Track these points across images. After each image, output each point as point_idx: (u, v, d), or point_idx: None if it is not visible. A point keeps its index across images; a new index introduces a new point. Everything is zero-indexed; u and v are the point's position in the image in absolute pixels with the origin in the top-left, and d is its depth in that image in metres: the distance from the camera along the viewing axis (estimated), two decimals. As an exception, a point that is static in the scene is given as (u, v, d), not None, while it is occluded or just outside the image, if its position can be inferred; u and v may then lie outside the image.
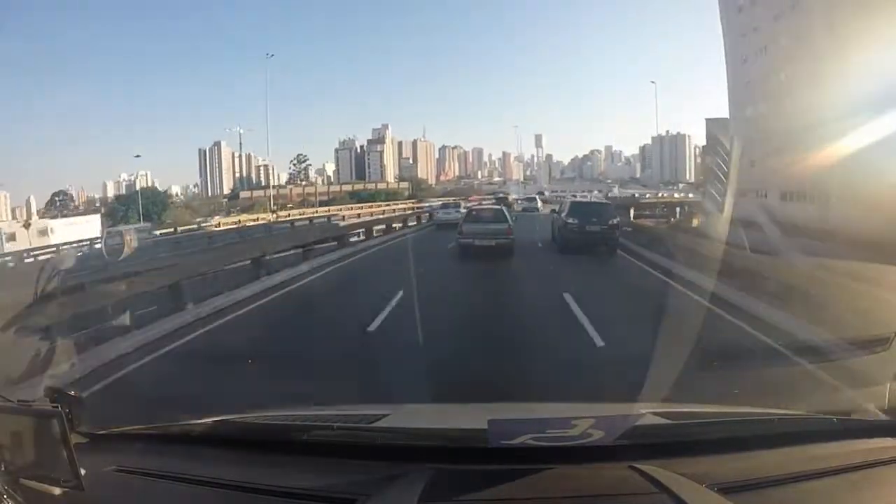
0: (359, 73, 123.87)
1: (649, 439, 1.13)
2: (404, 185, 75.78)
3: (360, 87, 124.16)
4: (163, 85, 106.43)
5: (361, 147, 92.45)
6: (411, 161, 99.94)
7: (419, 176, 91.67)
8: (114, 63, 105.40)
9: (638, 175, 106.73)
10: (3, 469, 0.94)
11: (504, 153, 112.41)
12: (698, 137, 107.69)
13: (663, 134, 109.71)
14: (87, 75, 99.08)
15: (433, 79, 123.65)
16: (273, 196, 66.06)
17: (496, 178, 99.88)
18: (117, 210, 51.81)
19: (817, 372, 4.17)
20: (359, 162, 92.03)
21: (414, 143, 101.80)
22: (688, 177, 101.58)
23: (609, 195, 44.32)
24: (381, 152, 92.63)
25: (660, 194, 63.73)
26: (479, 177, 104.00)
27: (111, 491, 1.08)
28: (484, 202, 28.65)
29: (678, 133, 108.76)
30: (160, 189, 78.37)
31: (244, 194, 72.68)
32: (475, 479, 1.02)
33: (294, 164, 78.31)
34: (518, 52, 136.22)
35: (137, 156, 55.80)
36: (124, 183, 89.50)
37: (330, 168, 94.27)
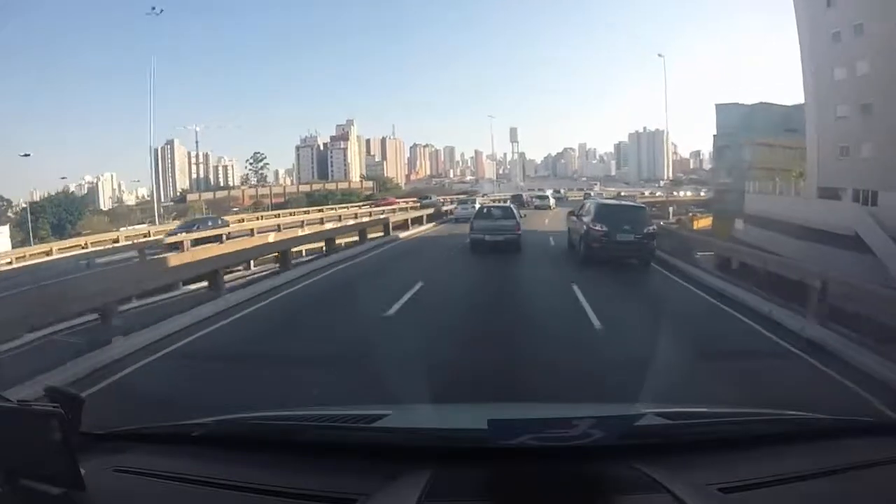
0: (326, 68, 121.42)
1: (649, 439, 1.13)
2: (369, 184, 70.22)
3: (328, 84, 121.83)
4: (122, 81, 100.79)
5: (325, 144, 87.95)
6: (378, 159, 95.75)
7: (388, 175, 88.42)
8: (71, 58, 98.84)
9: (613, 172, 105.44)
10: (3, 469, 0.94)
11: (476, 151, 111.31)
12: (675, 134, 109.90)
13: (640, 130, 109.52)
14: (45, 70, 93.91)
15: (405, 77, 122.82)
16: (223, 198, 60.89)
17: (469, 177, 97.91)
18: (23, 220, 42.39)
19: (818, 372, 4.08)
20: (321, 160, 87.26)
21: (383, 141, 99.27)
22: (666, 174, 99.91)
23: (592, 194, 42.91)
24: (345, 150, 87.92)
25: (646, 192, 61.66)
26: (452, 175, 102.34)
27: (111, 491, 1.08)
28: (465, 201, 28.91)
29: (656, 130, 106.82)
30: (125, 192, 73.84)
31: (192, 197, 67.42)
32: (475, 479, 1.02)
33: (250, 164, 72.23)
34: (491, 50, 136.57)
35: (26, 154, 48.19)
36: (87, 185, 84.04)
37: (288, 168, 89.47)
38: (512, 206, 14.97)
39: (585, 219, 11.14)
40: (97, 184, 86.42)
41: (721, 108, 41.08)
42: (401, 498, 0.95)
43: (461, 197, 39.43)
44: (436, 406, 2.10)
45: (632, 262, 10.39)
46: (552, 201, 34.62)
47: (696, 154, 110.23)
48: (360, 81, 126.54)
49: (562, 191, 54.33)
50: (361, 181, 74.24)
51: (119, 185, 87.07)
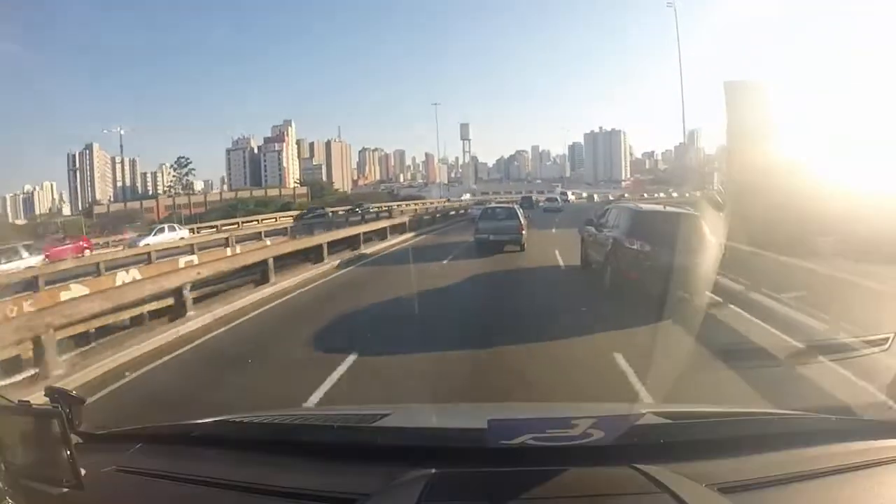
0: (266, 68, 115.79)
1: (649, 439, 1.13)
2: (303, 190, 64.17)
3: (270, 83, 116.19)
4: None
5: (259, 147, 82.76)
6: (316, 163, 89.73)
7: (334, 179, 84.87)
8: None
9: (567, 174, 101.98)
10: (3, 469, 0.94)
11: (427, 155, 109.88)
12: (633, 134, 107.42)
13: (596, 130, 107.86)
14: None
15: (351, 77, 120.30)
16: (134, 210, 53.49)
17: (419, 181, 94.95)
18: None
19: (818, 371, 3.96)
20: (254, 165, 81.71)
21: (327, 145, 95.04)
22: (623, 175, 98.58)
23: (570, 196, 40.55)
24: (280, 152, 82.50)
25: (625, 195, 58.17)
26: (402, 180, 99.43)
27: (111, 491, 1.08)
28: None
29: (612, 129, 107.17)
30: (65, 203, 64.36)
31: (99, 209, 58.88)
32: (475, 479, 1.02)
33: (174, 170, 65.26)
34: (442, 50, 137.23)
35: None
36: (21, 197, 73.27)
37: (219, 173, 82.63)
38: (516, 207, 15.36)
39: (613, 232, 7.91)
40: (33, 193, 76.78)
41: (732, 87, 32.91)
42: (401, 498, 0.95)
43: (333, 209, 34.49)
44: (436, 406, 2.10)
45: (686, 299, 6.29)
46: (560, 203, 34.72)
47: (650, 155, 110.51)
48: (303, 81, 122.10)
49: (532, 193, 51.85)
50: (294, 189, 66.91)
51: (60, 196, 79.25)
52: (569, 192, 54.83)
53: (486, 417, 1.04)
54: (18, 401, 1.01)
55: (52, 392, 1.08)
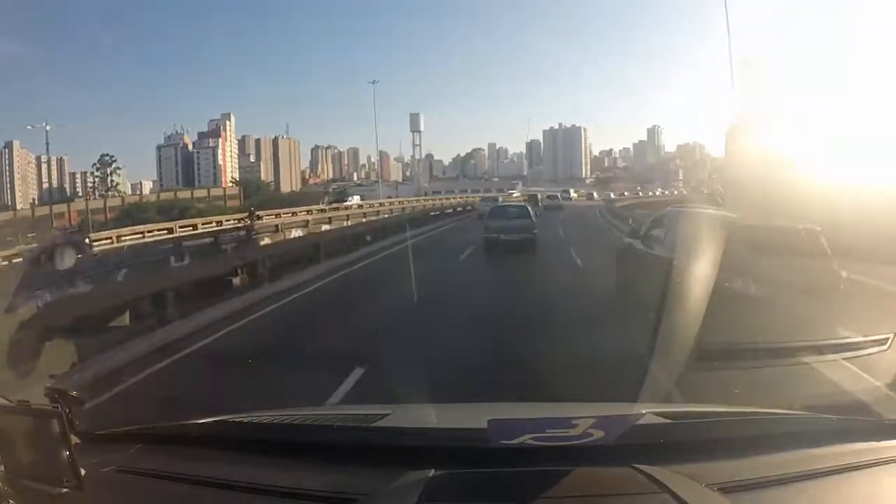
0: (209, 58, 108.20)
1: (650, 439, 1.14)
2: (235, 191, 55.93)
3: (216, 78, 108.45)
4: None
5: (195, 143, 73.90)
6: (264, 160, 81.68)
7: (282, 178, 79.40)
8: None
9: (525, 172, 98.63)
10: (3, 469, 0.94)
11: (382, 152, 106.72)
12: (591, 132, 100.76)
13: (556, 127, 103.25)
14: None
15: (301, 71, 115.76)
16: (43, 216, 44.26)
17: (373, 179, 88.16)
18: None
19: (817, 370, 3.91)
20: (187, 162, 72.61)
21: (274, 141, 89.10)
22: (584, 173, 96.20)
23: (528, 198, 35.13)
24: (215, 149, 73.25)
25: (612, 194, 54.77)
26: (356, 178, 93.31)
27: (111, 491, 1.08)
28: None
29: (573, 126, 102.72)
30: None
31: (4, 216, 49.21)
32: (475, 479, 1.02)
33: (96, 168, 56.71)
34: (394, 45, 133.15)
35: None
36: None
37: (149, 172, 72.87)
38: (528, 205, 14.82)
39: (683, 257, 4.97)
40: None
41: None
42: (401, 498, 0.95)
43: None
44: (436, 406, 2.09)
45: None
46: (561, 201, 34.82)
47: (609, 153, 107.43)
48: (247, 74, 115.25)
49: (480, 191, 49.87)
50: (225, 190, 57.86)
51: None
52: (571, 191, 53.31)
53: (486, 417, 1.04)
54: (18, 401, 1.00)
55: (52, 392, 1.09)
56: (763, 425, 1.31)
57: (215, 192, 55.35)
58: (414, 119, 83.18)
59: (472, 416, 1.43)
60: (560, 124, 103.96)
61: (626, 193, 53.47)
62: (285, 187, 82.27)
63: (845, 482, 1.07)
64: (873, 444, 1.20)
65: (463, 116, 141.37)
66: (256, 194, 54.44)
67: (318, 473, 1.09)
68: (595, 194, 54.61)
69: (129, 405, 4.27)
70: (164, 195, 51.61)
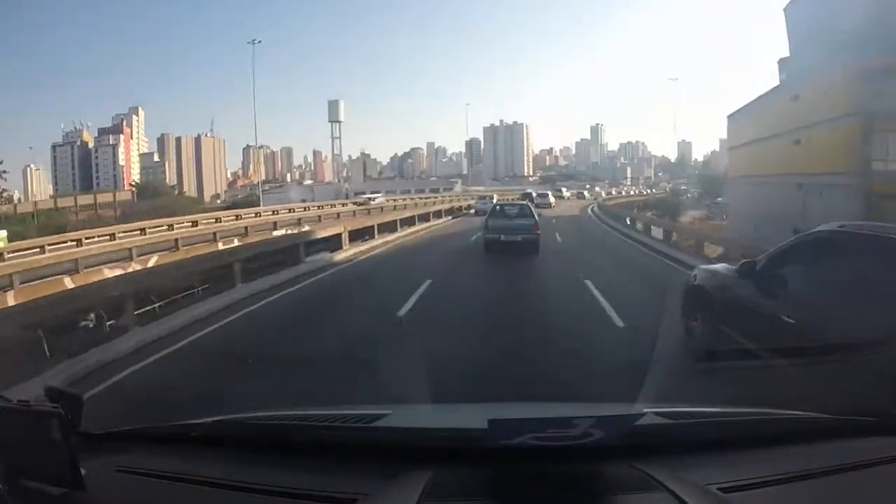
0: (117, 49, 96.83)
1: (650, 439, 1.14)
2: (128, 196, 48.38)
3: (121, 68, 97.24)
4: None
5: (96, 140, 65.74)
6: (157, 160, 71.82)
7: (204, 179, 73.53)
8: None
9: (465, 171, 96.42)
10: (3, 469, 0.93)
11: (315, 152, 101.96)
12: (532, 130, 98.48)
13: (497, 124, 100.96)
14: None
15: (230, 70, 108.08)
16: None
17: (308, 181, 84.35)
18: None
19: (816, 371, 3.74)
20: (85, 162, 64.24)
21: (197, 140, 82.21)
22: (525, 171, 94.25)
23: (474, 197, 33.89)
24: (116, 147, 64.64)
25: (599, 189, 53.51)
26: (289, 179, 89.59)
27: (111, 491, 1.08)
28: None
29: (515, 122, 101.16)
30: None
31: None
32: (475, 479, 1.03)
33: None
34: (334, 45, 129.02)
35: None
36: None
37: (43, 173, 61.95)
38: (530, 204, 14.18)
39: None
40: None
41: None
42: (401, 498, 0.95)
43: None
44: (436, 406, 2.11)
45: None
46: (552, 198, 34.10)
47: (549, 151, 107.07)
48: (171, 68, 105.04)
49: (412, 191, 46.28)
50: (115, 196, 47.13)
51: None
52: (563, 189, 51.19)
53: (487, 417, 1.04)
54: (18, 401, 0.99)
55: (51, 392, 1.07)
56: (763, 425, 1.31)
57: (103, 197, 45.55)
58: (332, 108, 70.84)
59: (473, 416, 1.43)
60: (501, 121, 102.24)
61: (613, 192, 52.31)
62: (209, 189, 76.38)
63: (845, 482, 1.07)
64: (873, 444, 1.20)
65: (402, 115, 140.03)
66: (154, 195, 47.05)
67: (318, 473, 1.09)
68: (587, 193, 51.62)
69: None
70: (61, 201, 42.13)
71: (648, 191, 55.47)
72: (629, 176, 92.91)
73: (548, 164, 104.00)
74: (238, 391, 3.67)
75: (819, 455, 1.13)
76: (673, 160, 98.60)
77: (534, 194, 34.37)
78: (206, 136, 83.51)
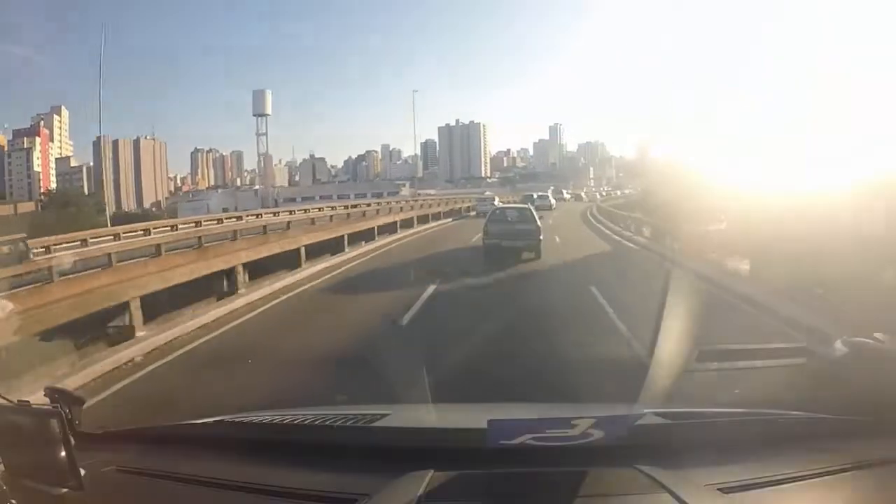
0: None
1: (650, 439, 1.14)
2: (31, 206, 42.38)
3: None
4: None
5: (10, 143, 58.20)
6: (82, 164, 63.77)
7: (144, 186, 67.85)
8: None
9: (420, 174, 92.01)
10: (3, 469, 0.93)
11: (262, 155, 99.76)
12: (491, 132, 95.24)
13: (452, 124, 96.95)
14: None
15: (172, 65, 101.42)
16: None
17: (257, 186, 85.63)
18: None
19: (815, 371, 3.78)
20: None
21: (136, 143, 76.20)
22: (482, 172, 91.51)
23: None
24: (30, 151, 57.29)
25: (602, 190, 50.37)
26: (239, 184, 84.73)
27: (111, 491, 1.08)
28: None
29: (471, 122, 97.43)
30: None
31: None
32: (475, 479, 1.03)
33: None
34: (285, 46, 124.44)
35: None
36: None
37: None
38: (531, 207, 13.46)
39: None
40: None
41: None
42: (401, 498, 0.95)
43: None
44: (436, 406, 2.12)
45: None
46: (552, 200, 32.21)
47: (507, 153, 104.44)
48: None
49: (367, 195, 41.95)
50: (16, 206, 43.14)
51: None
52: (564, 191, 49.52)
53: (486, 417, 1.05)
54: (18, 401, 1.00)
55: (51, 392, 1.08)
56: (763, 425, 1.31)
57: (4, 210, 40.78)
58: (257, 99, 57.09)
59: (472, 416, 1.43)
60: (457, 120, 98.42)
61: (603, 193, 50.18)
62: (149, 196, 71.46)
63: (845, 482, 1.07)
64: (873, 444, 1.20)
65: (358, 118, 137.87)
66: (63, 208, 39.51)
67: (318, 473, 1.09)
68: (584, 195, 49.25)
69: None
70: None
71: (620, 192, 52.17)
72: (592, 177, 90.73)
73: (505, 165, 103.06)
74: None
75: (818, 455, 1.13)
76: (631, 160, 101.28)
77: (535, 195, 33.69)
78: (146, 138, 77.35)
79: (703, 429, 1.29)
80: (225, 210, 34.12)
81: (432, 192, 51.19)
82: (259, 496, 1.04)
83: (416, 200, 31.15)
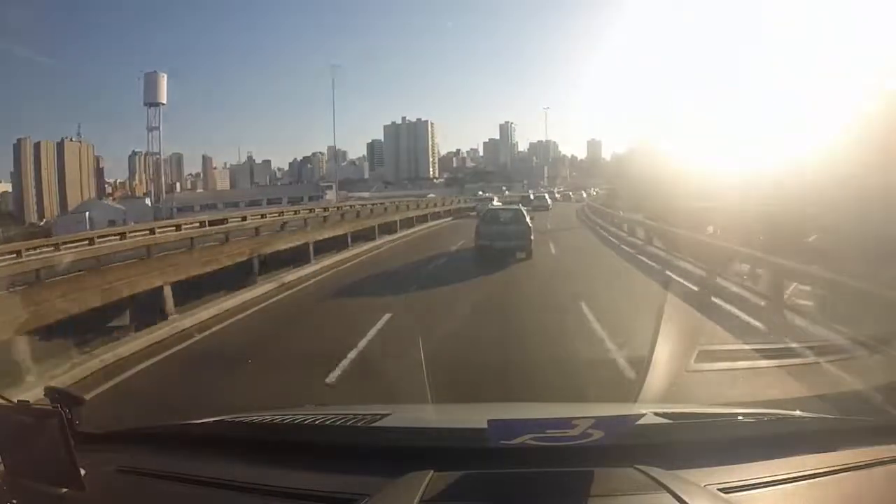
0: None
1: (650, 439, 1.14)
2: None
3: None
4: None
5: None
6: (45, 167, 61.78)
7: (68, 191, 63.31)
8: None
9: (366, 175, 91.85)
10: (3, 469, 0.94)
11: (205, 157, 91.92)
12: (440, 132, 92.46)
13: (399, 122, 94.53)
14: None
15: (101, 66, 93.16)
16: None
17: (199, 190, 79.29)
18: None
19: (815, 372, 3.91)
20: None
21: (59, 146, 69.19)
22: (431, 173, 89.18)
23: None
24: None
25: (591, 190, 46.40)
26: (179, 188, 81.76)
27: (111, 491, 1.07)
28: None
29: (418, 119, 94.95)
30: None
31: None
32: (475, 479, 1.03)
33: None
34: (239, 44, 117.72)
35: None
36: None
37: None
38: (523, 209, 13.57)
39: None
40: None
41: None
42: (401, 498, 0.95)
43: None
44: (436, 406, 2.09)
45: None
46: (549, 201, 31.56)
47: (456, 153, 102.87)
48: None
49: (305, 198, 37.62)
50: None
51: None
52: (556, 191, 49.00)
53: (486, 417, 1.05)
54: (18, 401, 0.99)
55: (51, 392, 1.08)
56: (763, 425, 1.31)
57: None
58: (149, 84, 45.91)
59: (472, 416, 1.43)
60: (404, 118, 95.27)
61: (593, 192, 47.19)
62: (73, 201, 65.54)
63: (845, 482, 1.07)
64: (872, 444, 1.20)
65: (304, 120, 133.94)
66: None
67: (318, 473, 1.09)
68: (572, 195, 47.73)
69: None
70: None
71: (585, 193, 47.88)
72: (546, 176, 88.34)
73: (455, 165, 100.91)
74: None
75: (818, 455, 1.14)
76: (582, 159, 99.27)
77: (531, 195, 33.06)
78: (70, 140, 70.55)
79: (703, 429, 1.29)
80: (111, 223, 29.92)
81: (366, 194, 46.39)
82: (259, 496, 1.04)
83: (339, 208, 21.84)
